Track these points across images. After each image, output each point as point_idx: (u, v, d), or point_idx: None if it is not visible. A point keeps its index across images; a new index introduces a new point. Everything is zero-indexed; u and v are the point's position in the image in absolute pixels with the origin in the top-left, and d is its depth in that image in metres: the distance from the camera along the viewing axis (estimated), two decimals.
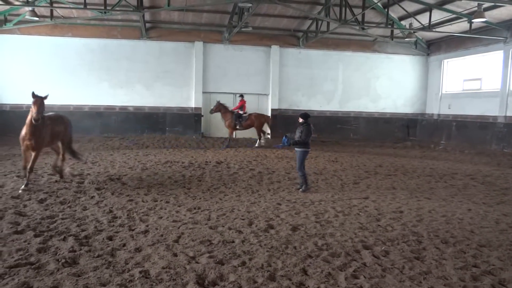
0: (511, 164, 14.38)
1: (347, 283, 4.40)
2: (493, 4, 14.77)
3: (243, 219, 6.65)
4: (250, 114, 17.90)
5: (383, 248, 5.52)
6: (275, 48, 21.37)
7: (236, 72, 21.16)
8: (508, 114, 17.62)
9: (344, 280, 4.46)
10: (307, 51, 21.84)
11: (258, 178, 10.43)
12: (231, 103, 21.18)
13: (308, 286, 4.33)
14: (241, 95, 18.48)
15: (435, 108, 22.42)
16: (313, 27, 20.32)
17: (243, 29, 18.22)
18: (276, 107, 21.55)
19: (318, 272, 4.62)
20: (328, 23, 18.60)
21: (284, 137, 9.02)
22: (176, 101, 20.60)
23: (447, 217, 7.18)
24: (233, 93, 21.18)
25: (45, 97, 8.18)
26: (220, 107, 17.65)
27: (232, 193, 8.69)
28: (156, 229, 6.02)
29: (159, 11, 17.83)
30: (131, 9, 15.87)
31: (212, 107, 17.92)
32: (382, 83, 22.82)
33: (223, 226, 6.24)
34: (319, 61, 22.10)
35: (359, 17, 17.42)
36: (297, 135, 8.94)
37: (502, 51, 18.01)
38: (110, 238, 5.54)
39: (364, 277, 4.57)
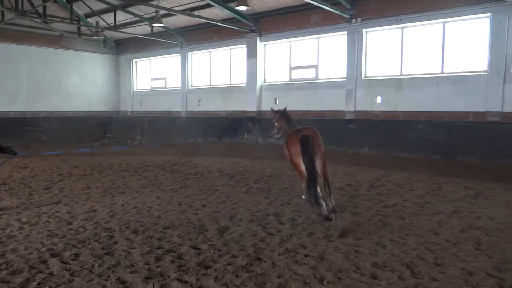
0: (193, 152, 16.77)
1: None
2: (167, 12, 16.60)
3: None
4: None
5: (73, 251, 5.40)
6: None
7: None
8: (189, 109, 20.39)
9: None
10: None
11: None
12: None
13: None
14: None
15: (128, 106, 23.49)
16: None
17: None
18: None
19: None
20: (3, 13, 16.33)
21: None
22: None
23: (138, 208, 7.70)
24: None
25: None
26: None
27: None
28: None
29: None
30: None
31: None
32: (74, 81, 22.01)
33: None
34: None
35: (40, 9, 16.10)
36: None
37: (179, 54, 20.59)
38: None
39: (50, 287, 4.37)
